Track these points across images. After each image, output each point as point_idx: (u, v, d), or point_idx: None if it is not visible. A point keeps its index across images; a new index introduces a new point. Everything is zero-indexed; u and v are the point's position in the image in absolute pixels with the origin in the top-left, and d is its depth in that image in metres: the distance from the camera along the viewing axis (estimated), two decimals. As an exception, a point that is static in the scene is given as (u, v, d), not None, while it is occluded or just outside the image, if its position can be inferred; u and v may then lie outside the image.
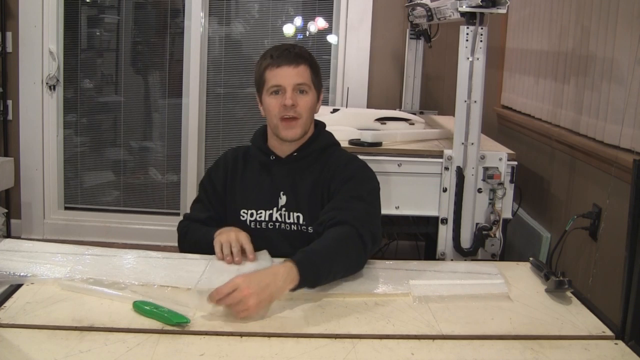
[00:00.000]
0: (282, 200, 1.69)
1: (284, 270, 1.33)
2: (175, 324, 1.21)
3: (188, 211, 1.84)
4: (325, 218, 1.55)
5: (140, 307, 1.25)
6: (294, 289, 1.34)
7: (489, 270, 1.56)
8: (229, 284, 1.26)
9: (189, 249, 1.69)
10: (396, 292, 1.42)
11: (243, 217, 1.71)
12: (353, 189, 1.62)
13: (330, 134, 1.78)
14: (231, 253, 1.54)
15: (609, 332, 1.27)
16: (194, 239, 1.70)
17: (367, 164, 1.74)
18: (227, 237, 1.57)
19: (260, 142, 1.75)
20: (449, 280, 1.48)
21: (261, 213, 1.69)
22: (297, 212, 1.68)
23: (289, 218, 1.68)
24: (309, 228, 1.66)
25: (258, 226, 1.69)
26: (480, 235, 2.24)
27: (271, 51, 1.69)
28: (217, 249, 1.56)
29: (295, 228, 1.68)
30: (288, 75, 1.63)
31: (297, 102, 1.62)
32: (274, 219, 1.69)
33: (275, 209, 1.69)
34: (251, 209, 1.71)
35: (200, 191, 1.82)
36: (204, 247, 1.62)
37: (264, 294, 1.27)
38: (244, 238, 1.57)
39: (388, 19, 3.50)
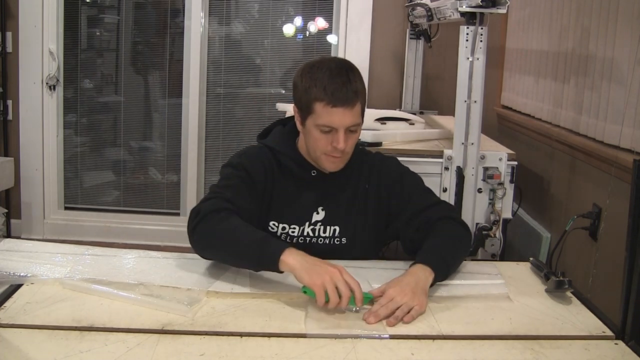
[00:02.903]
0: (320, 215, 1.63)
1: (417, 269, 1.40)
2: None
3: (194, 206, 1.52)
4: (420, 222, 1.59)
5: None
6: (431, 285, 1.39)
7: (488, 270, 1.56)
8: (384, 298, 1.31)
9: (206, 240, 1.43)
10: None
11: (273, 229, 1.62)
12: (415, 185, 1.68)
13: None
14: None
15: (609, 332, 1.27)
16: (236, 235, 1.40)
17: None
18: (332, 278, 1.28)
19: (295, 154, 1.64)
20: (449, 280, 1.48)
21: (294, 228, 1.63)
22: (334, 226, 1.64)
23: (324, 232, 1.64)
24: (344, 240, 1.64)
25: (288, 241, 1.63)
26: (480, 235, 2.24)
27: (324, 80, 1.49)
28: (320, 292, 1.28)
29: (329, 242, 1.64)
30: (343, 118, 1.49)
31: (347, 142, 1.53)
32: (305, 234, 1.64)
33: (307, 224, 1.63)
34: (283, 223, 1.62)
35: (234, 178, 1.57)
36: (239, 252, 1.39)
37: (418, 289, 1.33)
38: (351, 281, 1.30)
39: (388, 19, 3.50)
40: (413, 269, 1.40)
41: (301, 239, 1.63)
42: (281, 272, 1.36)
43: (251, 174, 1.59)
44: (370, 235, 1.67)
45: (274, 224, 1.63)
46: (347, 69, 1.54)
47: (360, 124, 1.56)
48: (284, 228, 1.63)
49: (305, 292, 1.30)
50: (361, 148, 1.74)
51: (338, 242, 1.64)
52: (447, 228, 1.56)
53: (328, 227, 1.64)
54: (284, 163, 1.64)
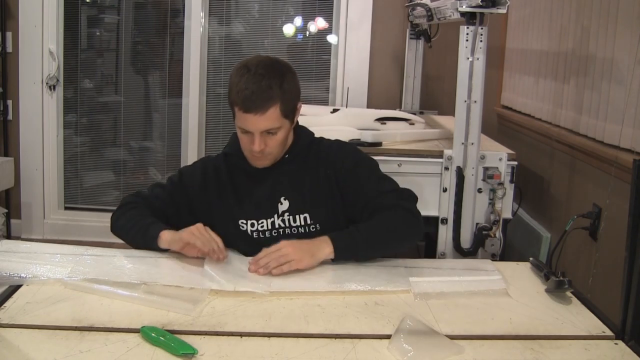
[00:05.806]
0: (284, 205, 1.66)
1: (320, 239, 1.53)
2: (181, 354, 1.13)
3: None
4: (371, 210, 1.62)
5: (147, 334, 1.19)
6: (335, 258, 1.52)
7: (485, 266, 1.57)
8: (272, 247, 1.47)
9: (118, 227, 1.65)
10: (396, 288, 1.43)
11: (243, 227, 1.67)
12: (369, 173, 1.70)
13: (306, 129, 1.76)
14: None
15: (609, 332, 1.27)
16: (134, 222, 1.61)
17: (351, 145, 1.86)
18: (200, 233, 1.50)
19: (240, 152, 1.67)
20: (449, 277, 1.48)
21: (262, 222, 1.66)
22: (303, 213, 1.66)
23: (294, 221, 1.66)
24: (317, 226, 1.66)
25: (261, 236, 1.66)
26: (480, 235, 2.24)
27: (240, 84, 1.52)
28: (194, 243, 1.49)
29: (303, 230, 1.66)
30: (256, 123, 1.54)
31: (267, 143, 1.58)
32: (276, 226, 1.66)
33: (276, 215, 1.66)
34: (251, 219, 1.66)
35: (168, 180, 1.74)
36: (137, 238, 1.59)
37: (305, 249, 1.47)
38: (215, 235, 1.51)
39: (388, 19, 3.50)
40: (318, 238, 1.53)
41: (274, 232, 1.66)
42: (163, 250, 1.55)
43: (184, 179, 1.71)
44: (343, 218, 1.68)
45: (242, 222, 1.67)
46: (268, 72, 1.54)
47: (282, 124, 1.58)
48: (252, 224, 1.67)
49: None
50: (318, 137, 1.78)
51: (313, 229, 1.66)
52: (388, 216, 1.60)
53: (297, 216, 1.66)
54: (234, 162, 1.70)
